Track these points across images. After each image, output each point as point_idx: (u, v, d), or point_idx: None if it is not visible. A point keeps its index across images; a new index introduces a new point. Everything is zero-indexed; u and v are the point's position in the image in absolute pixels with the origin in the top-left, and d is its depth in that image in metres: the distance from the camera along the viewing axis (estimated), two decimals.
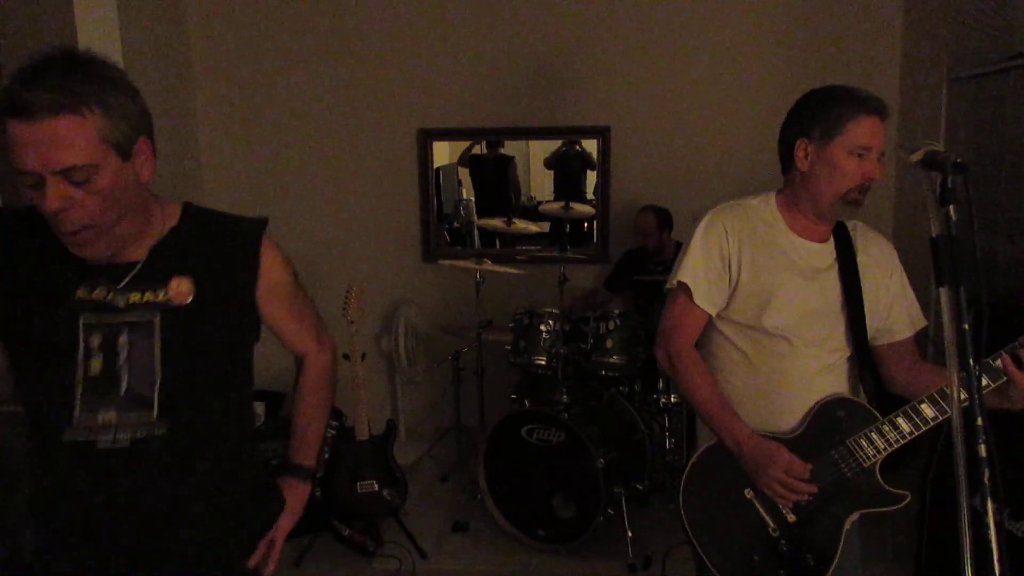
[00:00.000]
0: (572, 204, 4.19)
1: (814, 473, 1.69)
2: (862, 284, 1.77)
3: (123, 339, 1.27)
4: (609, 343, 3.34)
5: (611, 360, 3.35)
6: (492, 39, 4.27)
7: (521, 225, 4.22)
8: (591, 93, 4.27)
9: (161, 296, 1.30)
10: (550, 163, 4.62)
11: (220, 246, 1.39)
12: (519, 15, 4.23)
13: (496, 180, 4.70)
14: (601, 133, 4.29)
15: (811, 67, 4.06)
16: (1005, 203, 3.25)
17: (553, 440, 3.16)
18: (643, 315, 3.58)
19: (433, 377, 4.45)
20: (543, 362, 3.42)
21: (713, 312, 1.81)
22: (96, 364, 1.25)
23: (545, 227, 4.64)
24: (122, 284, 1.29)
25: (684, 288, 1.81)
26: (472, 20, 4.25)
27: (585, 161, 4.47)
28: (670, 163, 4.28)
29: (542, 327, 3.44)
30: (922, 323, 1.85)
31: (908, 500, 1.70)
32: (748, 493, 1.74)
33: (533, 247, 4.58)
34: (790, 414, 1.76)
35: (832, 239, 1.80)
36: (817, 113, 1.71)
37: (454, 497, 3.70)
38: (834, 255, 1.79)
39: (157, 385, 1.27)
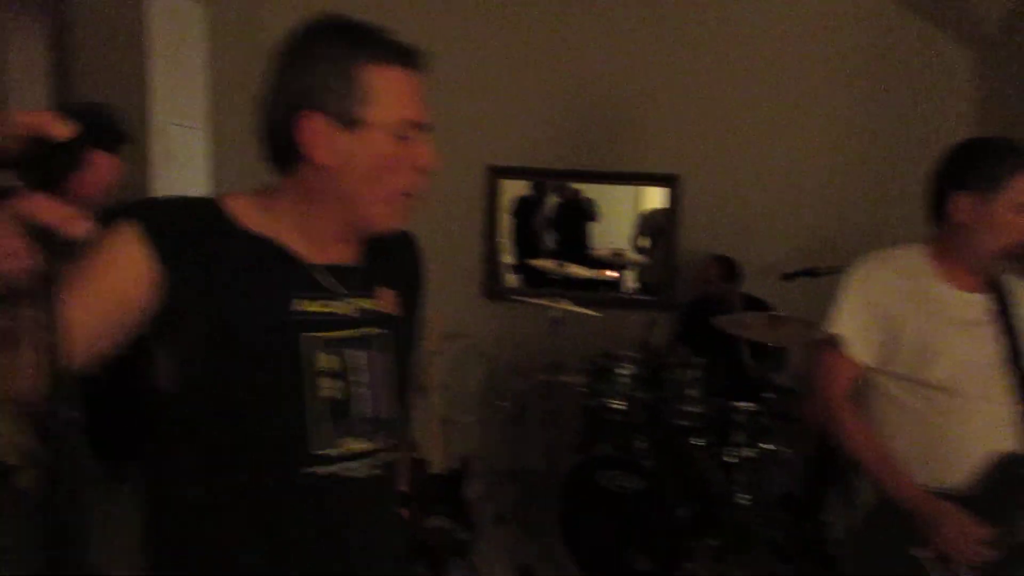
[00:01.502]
0: (566, 263, 4.07)
1: (997, 535, 1.64)
2: (1021, 331, 1.74)
3: (358, 354, 1.13)
4: (692, 392, 3.29)
5: (692, 409, 3.30)
6: (562, 80, 4.31)
7: (574, 269, 4.21)
8: (659, 139, 4.31)
9: (380, 306, 1.18)
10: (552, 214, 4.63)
11: (399, 255, 1.29)
12: (590, 56, 4.28)
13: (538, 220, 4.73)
14: (670, 181, 4.32)
15: (885, 116, 4.13)
16: None
17: (632, 488, 3.09)
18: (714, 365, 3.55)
19: (490, 415, 4.37)
20: (620, 406, 3.36)
21: (870, 363, 1.78)
22: (328, 383, 1.08)
23: (602, 273, 4.63)
24: (345, 290, 1.13)
25: (836, 340, 1.78)
26: (542, 60, 4.30)
27: (588, 212, 4.51)
28: (738, 212, 4.30)
29: (619, 370, 3.39)
30: None
31: None
32: (920, 552, 1.69)
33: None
34: (960, 471, 1.72)
35: (987, 291, 1.78)
36: (977, 167, 1.70)
37: (516, 540, 3.60)
38: (991, 307, 1.76)
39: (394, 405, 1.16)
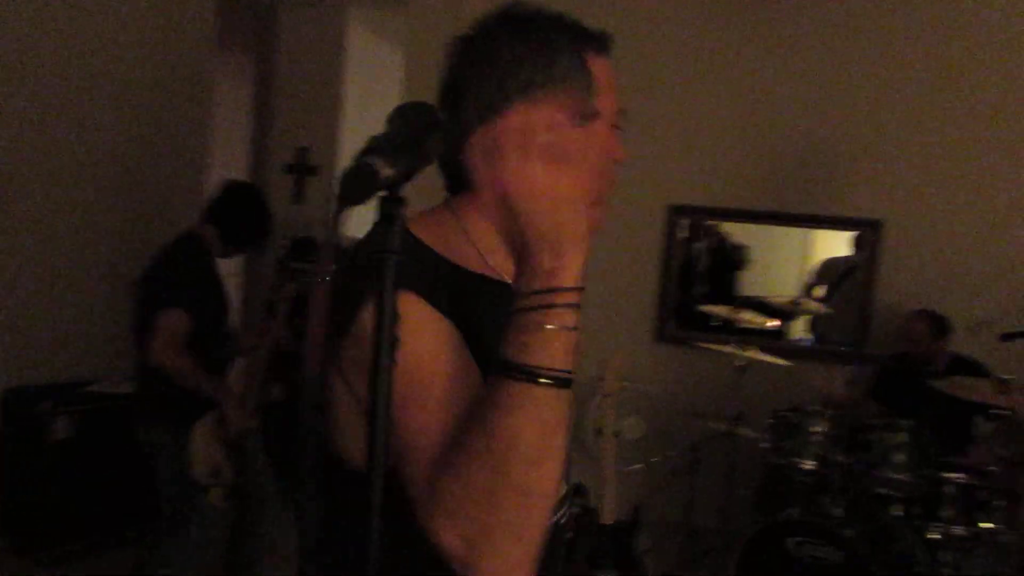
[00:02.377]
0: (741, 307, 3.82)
1: None
2: None
3: None
4: (898, 457, 2.97)
5: (898, 477, 2.97)
6: (752, 118, 4.13)
7: (749, 317, 3.96)
8: (860, 181, 4.01)
9: None
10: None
11: None
12: (784, 93, 4.08)
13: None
14: (874, 227, 4.01)
15: None
16: None
17: (827, 559, 2.80)
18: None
19: (659, 465, 4.18)
20: (811, 467, 3.08)
21: None
22: None
23: (765, 322, 4.35)
24: None
25: None
26: (730, 96, 4.14)
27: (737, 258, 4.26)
28: (947, 262, 3.92)
29: (811, 427, 3.12)
30: None
31: None
32: None
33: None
34: None
35: None
36: None
37: None
38: None
39: None
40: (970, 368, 3.50)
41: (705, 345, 3.62)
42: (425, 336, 0.82)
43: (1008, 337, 3.29)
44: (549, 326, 0.75)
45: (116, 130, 3.97)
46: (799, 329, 4.45)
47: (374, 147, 0.65)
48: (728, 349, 3.43)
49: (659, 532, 4.01)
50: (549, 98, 0.91)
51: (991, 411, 3.02)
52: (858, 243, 4.19)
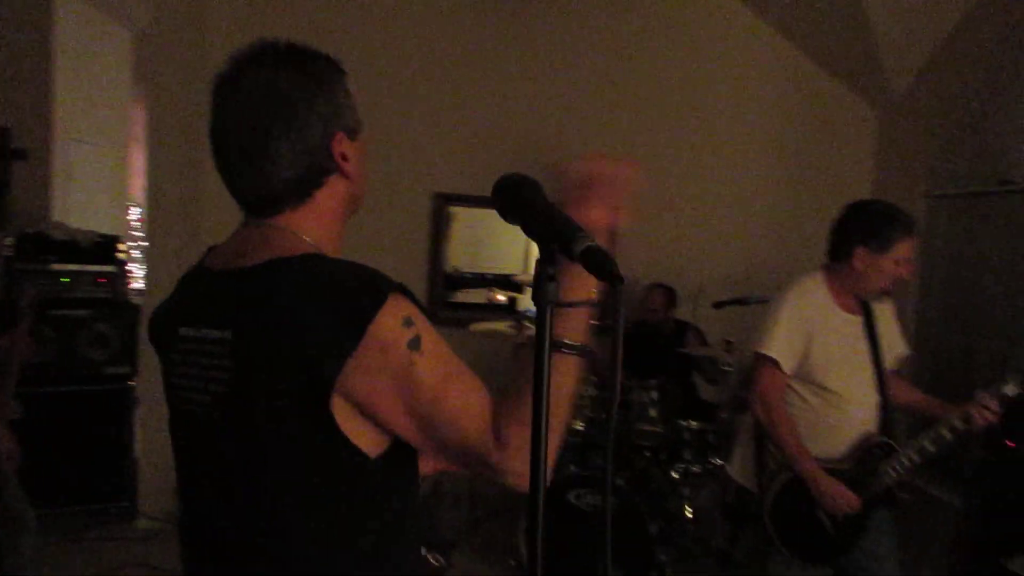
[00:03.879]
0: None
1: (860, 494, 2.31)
2: (881, 343, 2.39)
3: None
4: (652, 412, 3.49)
5: (651, 429, 3.49)
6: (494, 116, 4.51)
7: (498, 295, 4.39)
8: None
9: None
10: None
11: None
12: (522, 97, 4.53)
13: None
14: None
15: (796, 167, 4.63)
16: (983, 306, 3.77)
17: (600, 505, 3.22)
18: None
19: None
20: (580, 427, 3.50)
21: (791, 374, 2.37)
22: None
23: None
24: None
25: (771, 359, 2.34)
26: (482, 97, 4.48)
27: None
28: (672, 240, 4.61)
29: (581, 392, 3.53)
30: (906, 353, 2.52)
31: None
32: (820, 512, 2.35)
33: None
34: (843, 448, 2.39)
35: (860, 312, 2.41)
36: (875, 230, 2.30)
37: (477, 562, 3.64)
38: (863, 324, 2.41)
39: None
40: (686, 329, 4.19)
41: (479, 327, 3.88)
42: (427, 324, 1.02)
43: (719, 305, 4.00)
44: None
45: None
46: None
47: None
48: (503, 327, 3.72)
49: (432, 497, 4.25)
50: (341, 124, 1.11)
51: (720, 367, 3.66)
52: None
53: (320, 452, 0.99)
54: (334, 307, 0.96)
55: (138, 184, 6.45)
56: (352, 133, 1.11)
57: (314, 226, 1.09)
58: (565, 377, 1.04)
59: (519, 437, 0.98)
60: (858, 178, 4.64)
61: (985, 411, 2.26)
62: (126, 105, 6.29)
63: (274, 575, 1.04)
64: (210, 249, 1.18)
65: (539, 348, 0.85)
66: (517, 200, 0.97)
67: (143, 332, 4.01)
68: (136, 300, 4.21)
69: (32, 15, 4.75)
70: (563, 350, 1.05)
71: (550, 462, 0.95)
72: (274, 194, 1.07)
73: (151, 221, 4.18)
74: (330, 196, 1.10)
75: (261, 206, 1.09)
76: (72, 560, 3.54)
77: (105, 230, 4.36)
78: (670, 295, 4.22)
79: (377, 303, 0.96)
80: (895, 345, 2.48)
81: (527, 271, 4.75)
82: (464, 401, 1.00)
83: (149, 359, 4.01)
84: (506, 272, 4.70)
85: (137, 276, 4.45)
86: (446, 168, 4.47)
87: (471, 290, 4.66)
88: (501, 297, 4.55)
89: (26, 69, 4.74)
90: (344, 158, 1.10)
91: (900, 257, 2.29)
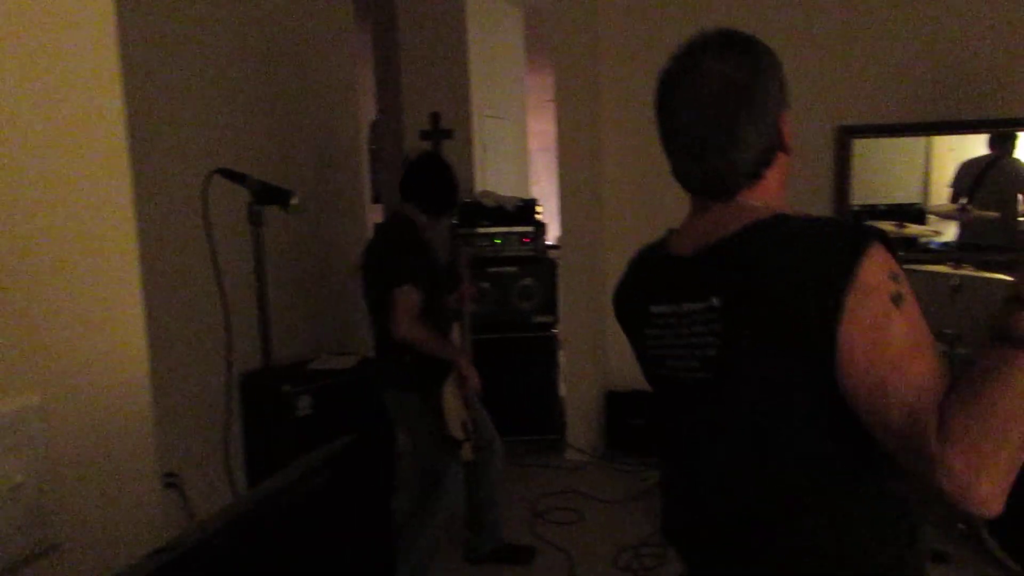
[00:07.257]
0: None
1: None
2: None
3: None
4: None
5: None
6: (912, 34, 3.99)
7: (914, 229, 3.87)
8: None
9: None
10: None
11: None
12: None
13: None
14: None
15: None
16: None
17: None
18: None
19: None
20: None
21: None
22: None
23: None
24: None
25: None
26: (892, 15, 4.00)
27: None
28: None
29: None
30: None
31: None
32: None
33: None
34: None
35: None
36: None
37: None
38: None
39: None
40: None
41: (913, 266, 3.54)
42: (909, 286, 0.98)
43: None
44: None
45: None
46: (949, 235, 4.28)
47: None
48: (937, 269, 3.36)
49: None
50: (784, 103, 1.17)
51: None
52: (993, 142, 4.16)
53: (815, 395, 1.01)
54: (823, 252, 0.99)
55: (533, 147, 7.01)
56: (787, 108, 1.16)
57: (768, 200, 1.15)
58: None
59: (966, 433, 0.86)
60: None
61: None
62: (521, 79, 6.89)
63: (792, 519, 1.08)
64: (670, 232, 1.27)
65: None
66: None
67: (561, 284, 4.42)
68: (552, 255, 4.65)
69: (448, 12, 5.43)
70: None
71: (1008, 478, 0.86)
72: (737, 177, 1.13)
73: (563, 176, 4.41)
74: (777, 171, 1.16)
75: (721, 189, 1.15)
76: (515, 485, 4.04)
77: (511, 193, 4.87)
78: None
79: (863, 248, 0.97)
80: None
81: (928, 200, 4.35)
82: (922, 379, 0.92)
83: (568, 309, 4.42)
84: (907, 202, 4.33)
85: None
86: (850, 99, 4.12)
87: (881, 222, 4.26)
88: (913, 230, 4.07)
89: (447, 59, 5.45)
90: (786, 135, 1.15)
91: None
